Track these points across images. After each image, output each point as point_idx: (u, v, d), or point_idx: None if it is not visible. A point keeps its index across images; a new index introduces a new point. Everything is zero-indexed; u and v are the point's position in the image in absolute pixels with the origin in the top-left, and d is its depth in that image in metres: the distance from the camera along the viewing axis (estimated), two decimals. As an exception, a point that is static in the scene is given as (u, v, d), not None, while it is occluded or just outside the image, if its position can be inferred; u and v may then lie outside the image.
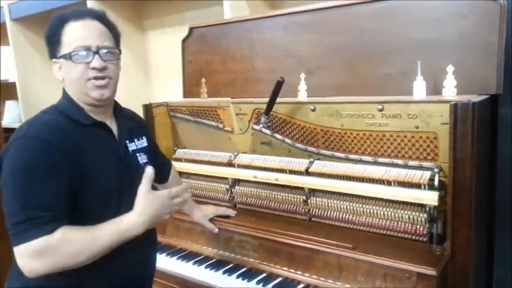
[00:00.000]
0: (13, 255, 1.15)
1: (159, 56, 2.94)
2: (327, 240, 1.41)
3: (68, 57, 1.16)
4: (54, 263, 1.06)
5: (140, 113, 1.84)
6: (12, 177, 1.08)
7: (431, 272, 1.20)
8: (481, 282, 1.55)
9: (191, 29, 2.21)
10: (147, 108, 2.03)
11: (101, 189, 1.18)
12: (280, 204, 1.69)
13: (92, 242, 1.09)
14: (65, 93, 1.24)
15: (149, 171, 1.21)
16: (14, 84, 3.57)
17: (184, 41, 2.24)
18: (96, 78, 1.18)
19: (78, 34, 1.17)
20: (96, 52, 1.17)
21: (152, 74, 3.04)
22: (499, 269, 1.61)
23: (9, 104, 3.80)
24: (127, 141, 1.32)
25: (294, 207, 1.66)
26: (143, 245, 1.29)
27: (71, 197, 1.11)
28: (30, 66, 3.54)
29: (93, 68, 1.17)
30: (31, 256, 1.04)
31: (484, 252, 1.58)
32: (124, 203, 1.19)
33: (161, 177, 1.60)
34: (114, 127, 1.30)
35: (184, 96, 2.28)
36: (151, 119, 2.02)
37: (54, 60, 1.22)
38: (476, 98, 1.30)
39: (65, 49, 1.17)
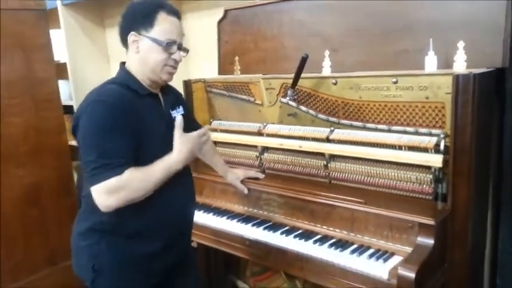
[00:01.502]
0: (82, 202, 1.43)
1: (196, 36, 3.15)
2: (341, 196, 1.60)
3: (160, 43, 1.41)
4: (124, 197, 1.31)
5: (180, 88, 2.07)
6: (90, 133, 1.33)
7: (430, 221, 1.38)
8: (482, 239, 1.71)
9: (226, 11, 2.41)
10: (187, 84, 2.26)
11: (153, 146, 1.42)
12: (303, 169, 1.90)
13: (149, 177, 1.35)
14: (123, 69, 1.48)
15: (179, 119, 1.46)
16: (64, 64, 3.87)
17: (219, 22, 2.44)
18: (171, 66, 1.46)
19: (172, 29, 1.43)
20: (179, 48, 1.45)
21: (190, 52, 3.25)
22: (504, 227, 1.75)
23: (60, 84, 4.12)
24: (170, 110, 1.56)
25: (315, 171, 1.85)
26: (185, 198, 1.57)
27: (133, 150, 1.36)
28: (79, 48, 3.83)
29: (174, 59, 1.45)
30: (106, 193, 1.29)
31: (491, 212, 1.73)
32: None
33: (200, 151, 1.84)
34: (160, 98, 1.54)
35: (219, 73, 2.49)
36: (190, 93, 2.25)
37: (134, 33, 1.43)
38: (478, 71, 1.44)
39: (156, 34, 1.41)
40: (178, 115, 1.52)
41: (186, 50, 1.51)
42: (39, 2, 2.28)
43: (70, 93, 3.96)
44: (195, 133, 1.48)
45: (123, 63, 1.51)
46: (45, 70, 2.35)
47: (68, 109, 3.43)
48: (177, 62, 1.47)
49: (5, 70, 2.23)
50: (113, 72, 4.29)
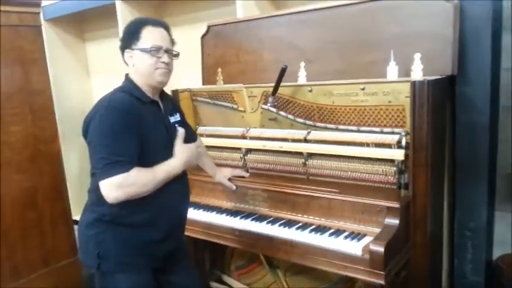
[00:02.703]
0: (88, 196, 1.61)
1: (180, 49, 3.34)
2: (319, 188, 1.83)
3: (146, 50, 1.60)
4: (130, 191, 1.49)
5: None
6: (103, 134, 1.52)
7: (396, 205, 1.63)
8: (440, 222, 1.97)
9: (209, 27, 2.62)
10: (174, 93, 2.43)
11: (155, 148, 1.61)
12: (284, 167, 2.11)
13: (153, 177, 1.55)
14: (128, 80, 1.68)
15: (180, 130, 1.72)
16: (47, 77, 3.99)
17: (203, 37, 2.65)
18: (163, 68, 1.63)
19: (155, 36, 1.63)
20: (166, 51, 1.64)
21: (175, 64, 3.42)
22: (458, 213, 2.02)
23: (41, 96, 4.23)
24: (169, 116, 1.75)
25: (295, 168, 2.07)
26: (181, 195, 1.77)
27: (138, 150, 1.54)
28: (61, 61, 3.96)
29: (163, 62, 1.62)
30: (115, 186, 1.47)
31: (447, 199, 2.00)
32: (169, 158, 1.64)
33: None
34: (160, 105, 1.73)
35: (203, 83, 2.69)
36: (177, 102, 2.43)
37: (127, 50, 1.64)
38: (431, 78, 1.71)
39: (142, 44, 1.61)
40: (180, 129, 1.74)
41: (176, 54, 1.70)
42: (36, 18, 2.45)
43: (52, 104, 4.07)
44: (193, 144, 1.74)
45: (127, 74, 1.71)
46: (41, 82, 2.51)
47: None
48: (167, 64, 1.65)
49: (5, 82, 2.37)
50: (93, 84, 4.46)
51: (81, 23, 4.12)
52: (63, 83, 3.99)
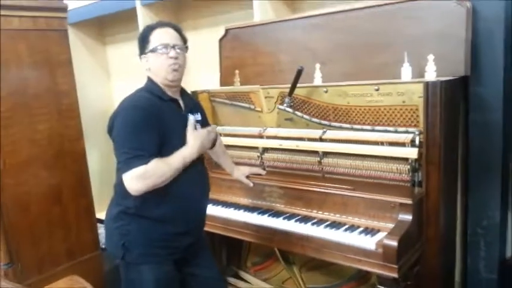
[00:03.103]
0: (114, 190, 1.69)
1: (196, 52, 3.42)
2: (334, 185, 1.89)
3: (155, 50, 1.69)
4: (149, 182, 1.57)
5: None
6: (125, 131, 1.62)
7: (408, 201, 1.68)
8: (453, 219, 2.01)
9: (227, 30, 2.70)
10: (193, 94, 2.52)
11: (173, 144, 1.69)
12: (300, 165, 2.18)
13: (169, 166, 1.62)
14: (149, 80, 1.76)
15: (191, 119, 1.78)
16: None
17: (221, 40, 2.73)
18: (173, 64, 1.70)
19: (162, 36, 1.71)
20: (173, 47, 1.71)
21: (193, 66, 3.49)
22: (471, 212, 2.05)
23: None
24: (189, 114, 1.83)
25: (310, 166, 2.14)
26: (200, 189, 1.85)
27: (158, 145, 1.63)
28: (82, 64, 4.04)
29: (171, 57, 1.70)
30: (136, 178, 1.56)
31: (460, 197, 2.03)
32: None
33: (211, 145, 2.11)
34: (181, 103, 1.81)
35: (221, 84, 2.77)
36: (199, 102, 2.50)
37: (142, 56, 1.74)
38: (444, 78, 1.76)
39: (151, 46, 1.70)
40: (191, 116, 1.80)
41: (183, 47, 1.76)
42: (63, 22, 2.57)
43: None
44: (204, 129, 1.80)
45: (149, 76, 1.79)
46: (67, 83, 2.63)
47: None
48: (176, 59, 1.71)
49: (34, 83, 2.50)
50: (114, 86, 4.57)
51: (102, 27, 4.24)
52: (84, 85, 4.10)
